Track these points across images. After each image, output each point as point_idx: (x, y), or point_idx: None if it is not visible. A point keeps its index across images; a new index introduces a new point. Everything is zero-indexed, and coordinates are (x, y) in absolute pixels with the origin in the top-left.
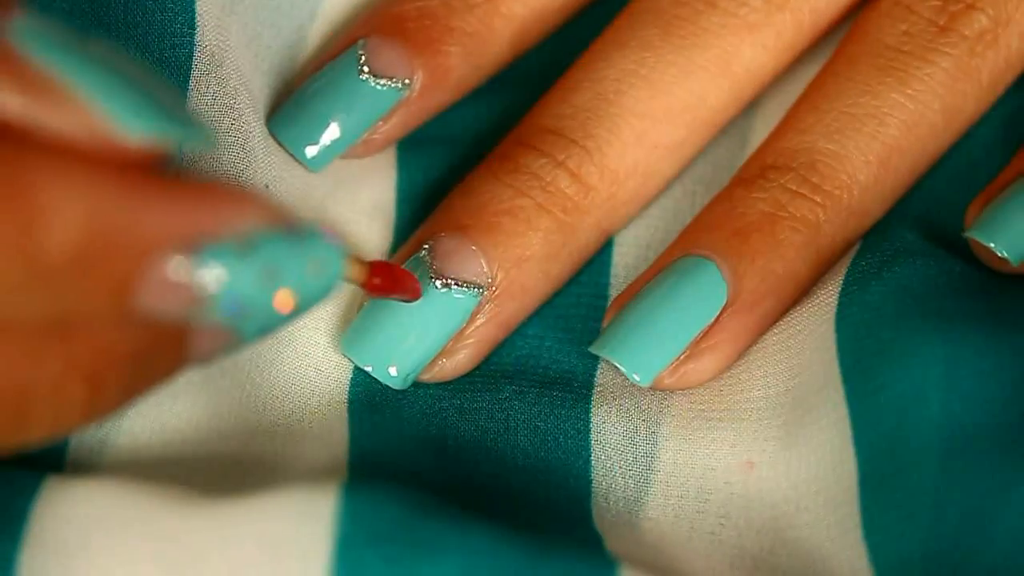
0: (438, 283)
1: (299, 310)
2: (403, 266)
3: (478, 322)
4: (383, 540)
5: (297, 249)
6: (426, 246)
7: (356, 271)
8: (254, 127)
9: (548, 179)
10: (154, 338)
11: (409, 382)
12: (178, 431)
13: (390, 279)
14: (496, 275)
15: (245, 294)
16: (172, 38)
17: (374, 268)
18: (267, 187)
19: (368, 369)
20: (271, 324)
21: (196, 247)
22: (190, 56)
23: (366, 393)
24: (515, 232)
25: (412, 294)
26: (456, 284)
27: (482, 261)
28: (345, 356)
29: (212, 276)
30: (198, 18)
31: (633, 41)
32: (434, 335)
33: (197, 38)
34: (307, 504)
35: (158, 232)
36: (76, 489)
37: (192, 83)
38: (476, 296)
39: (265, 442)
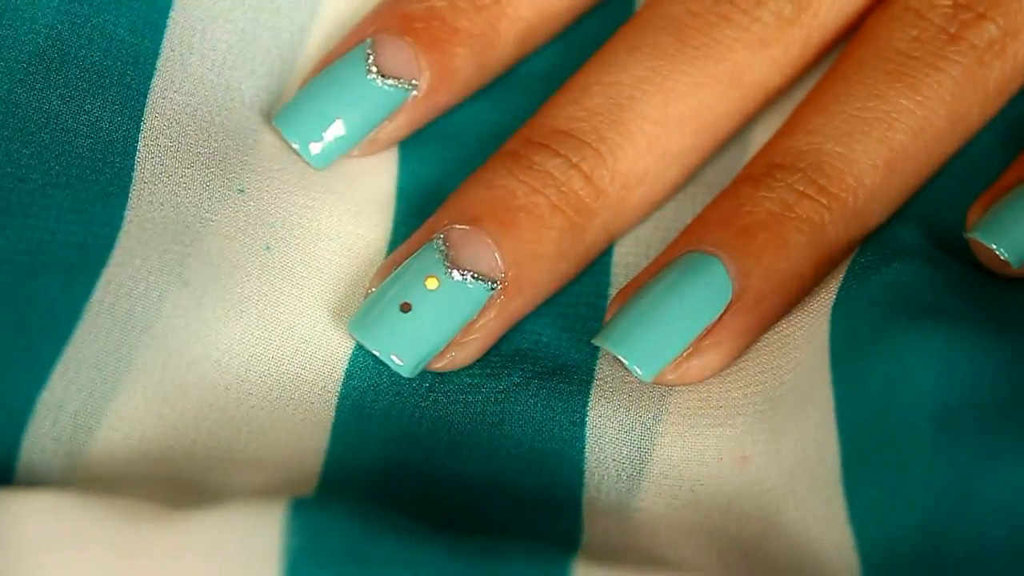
0: (455, 273)
1: None
2: (415, 254)
3: (488, 315)
4: (331, 559)
5: None
6: (440, 235)
7: None
8: (223, 138)
9: (562, 179)
10: None
11: (418, 371)
12: (143, 424)
13: None
14: (509, 270)
15: None
16: (130, 69)
17: None
18: (241, 191)
19: (376, 353)
20: None
21: None
22: (149, 78)
23: (361, 386)
24: (530, 228)
25: None
26: (471, 276)
27: (496, 255)
28: (353, 338)
29: None
30: (164, 42)
31: (647, 47)
32: (446, 325)
33: (158, 65)
34: (255, 522)
35: None
36: (25, 501)
37: (147, 108)
38: (488, 289)
39: (242, 431)
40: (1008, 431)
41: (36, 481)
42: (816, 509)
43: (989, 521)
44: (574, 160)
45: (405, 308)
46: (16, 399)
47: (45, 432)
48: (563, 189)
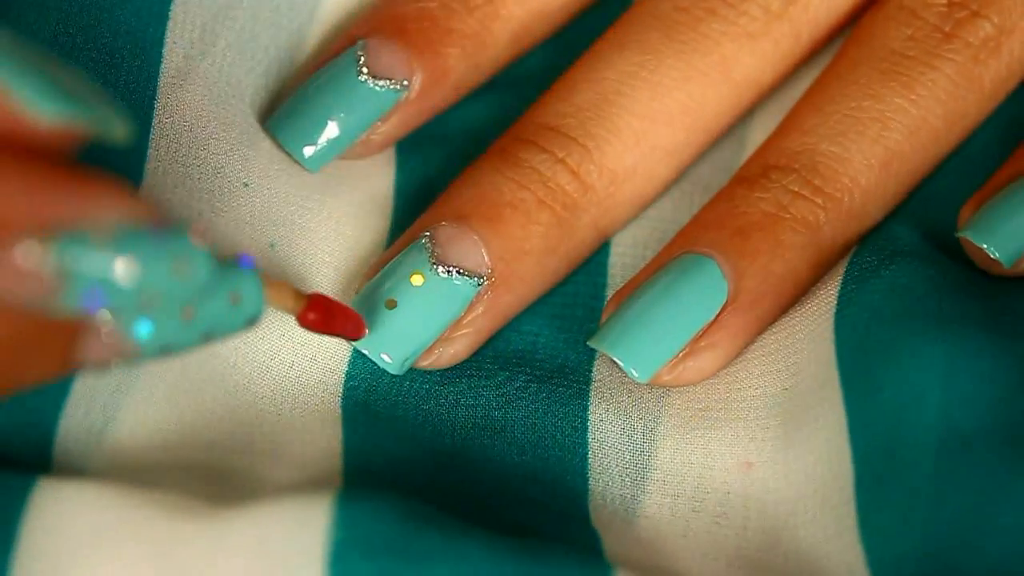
0: (440, 269)
1: (202, 326)
2: (403, 253)
3: (476, 311)
4: (376, 552)
5: (161, 246)
6: (427, 233)
7: (284, 299)
8: (227, 133)
9: (548, 175)
10: (32, 329)
11: (406, 367)
12: (164, 421)
13: (326, 315)
14: (496, 266)
15: (102, 285)
16: (139, 56)
17: (311, 302)
18: (246, 185)
19: (365, 352)
20: (169, 337)
21: (51, 233)
22: (156, 75)
23: (361, 388)
24: (516, 224)
25: (353, 334)
26: (457, 272)
27: (483, 251)
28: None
29: (62, 263)
30: (167, 35)
31: (634, 43)
32: (433, 322)
33: (164, 53)
34: (300, 515)
35: (12, 215)
36: (70, 494)
37: (158, 100)
38: (475, 285)
39: (256, 434)
40: (1018, 456)
41: (72, 468)
42: (828, 526)
43: (1000, 546)
44: (560, 155)
45: (390, 305)
46: (51, 385)
47: (78, 422)
48: (549, 184)
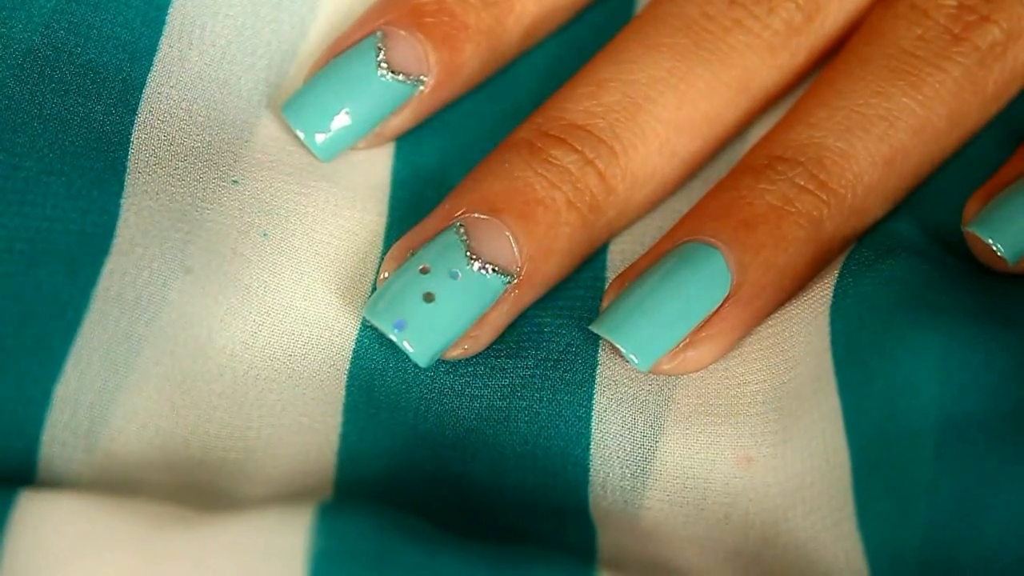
0: (476, 264)
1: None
2: (436, 241)
3: (502, 308)
4: (357, 563)
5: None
6: (460, 223)
7: None
8: (222, 129)
9: (578, 175)
10: None
11: (433, 360)
12: (157, 415)
13: None
14: (525, 264)
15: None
16: (129, 57)
17: None
18: (235, 183)
19: (393, 339)
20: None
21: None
22: (145, 72)
23: (366, 371)
24: (547, 224)
25: None
26: (491, 268)
27: (515, 248)
28: (371, 323)
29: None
30: (162, 41)
31: (663, 47)
32: (464, 315)
33: (156, 58)
34: (282, 526)
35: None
36: (51, 507)
37: (144, 95)
38: (504, 282)
39: (254, 417)
40: (1014, 444)
41: (57, 476)
42: (826, 517)
43: (998, 533)
44: (590, 156)
45: (428, 298)
46: (32, 392)
47: (64, 425)
48: (579, 186)
